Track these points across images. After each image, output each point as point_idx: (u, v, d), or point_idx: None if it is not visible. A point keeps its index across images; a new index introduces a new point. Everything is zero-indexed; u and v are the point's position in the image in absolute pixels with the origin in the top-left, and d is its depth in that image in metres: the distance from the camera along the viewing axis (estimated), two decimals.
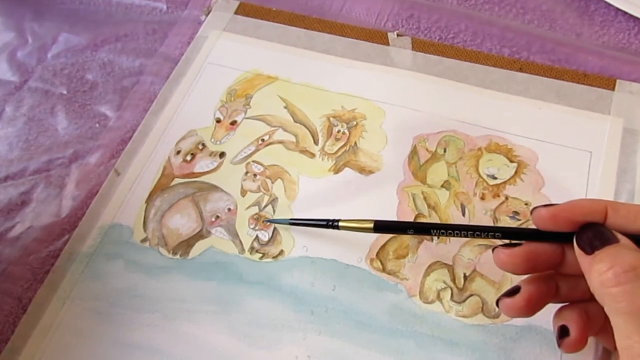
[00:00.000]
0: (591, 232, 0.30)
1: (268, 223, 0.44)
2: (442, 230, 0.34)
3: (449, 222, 0.42)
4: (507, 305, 0.32)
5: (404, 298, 0.38)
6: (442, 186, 0.42)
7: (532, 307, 0.31)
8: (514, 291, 0.32)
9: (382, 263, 0.41)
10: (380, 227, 0.37)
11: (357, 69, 0.49)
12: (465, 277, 0.39)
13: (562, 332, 0.32)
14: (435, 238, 0.41)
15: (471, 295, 0.39)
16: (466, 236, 0.34)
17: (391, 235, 0.42)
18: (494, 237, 0.34)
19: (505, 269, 0.33)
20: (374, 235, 0.42)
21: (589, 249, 0.29)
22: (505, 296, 0.32)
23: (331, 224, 0.38)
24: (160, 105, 0.49)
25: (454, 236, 0.34)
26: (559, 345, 0.32)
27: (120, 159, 0.47)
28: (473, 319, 0.38)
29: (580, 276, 0.30)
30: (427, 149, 0.44)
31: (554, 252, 0.33)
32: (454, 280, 0.39)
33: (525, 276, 0.33)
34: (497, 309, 0.38)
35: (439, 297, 0.38)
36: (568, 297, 0.33)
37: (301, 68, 0.49)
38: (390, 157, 0.44)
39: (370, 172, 0.44)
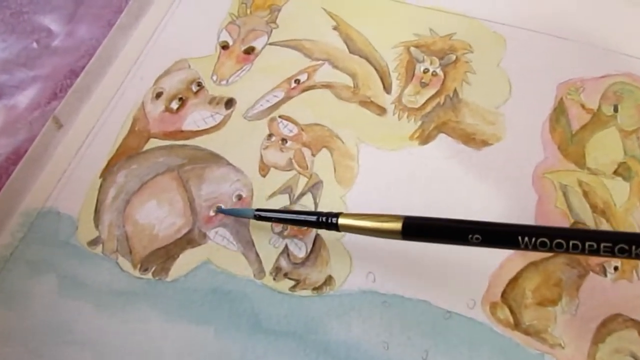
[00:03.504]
0: None
1: (305, 227, 0.25)
2: (560, 241, 0.19)
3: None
4: None
5: None
6: (616, 173, 0.26)
7: None
8: None
9: (512, 312, 0.23)
10: (414, 228, 0.22)
11: None
12: None
13: None
14: (610, 272, 0.23)
15: None
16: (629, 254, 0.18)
17: (528, 261, 0.23)
18: None
19: None
20: (495, 259, 0.24)
21: None
22: None
23: (324, 221, 0.24)
24: (134, 17, 0.33)
25: (596, 253, 0.19)
26: None
27: (64, 101, 0.31)
28: None
29: None
30: (583, 106, 0.28)
31: None
32: None
33: None
34: None
35: None
36: None
37: None
38: (517, 118, 0.28)
39: (485, 142, 0.27)
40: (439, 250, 0.24)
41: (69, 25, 0.34)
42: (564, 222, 0.25)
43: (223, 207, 0.27)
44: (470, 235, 0.21)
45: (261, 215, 0.25)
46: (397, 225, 0.22)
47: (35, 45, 0.34)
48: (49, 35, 0.34)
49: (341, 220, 0.23)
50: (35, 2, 0.35)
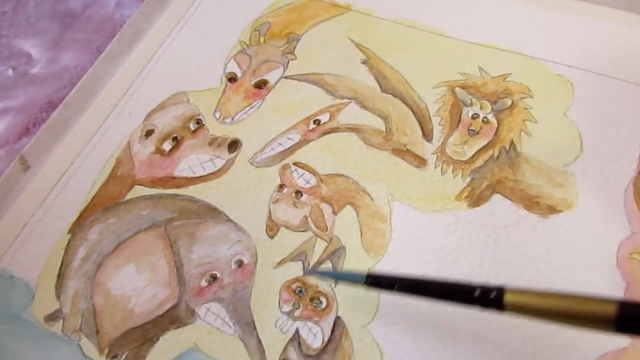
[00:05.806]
0: None
1: (321, 307, 0.20)
2: None
3: None
4: None
5: None
6: None
7: None
8: None
9: None
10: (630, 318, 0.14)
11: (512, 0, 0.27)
12: None
13: None
14: None
15: None
16: None
17: None
18: None
19: None
20: None
21: None
22: None
23: (482, 297, 0.16)
24: (127, 43, 0.29)
25: None
26: None
27: (35, 138, 0.26)
28: None
29: None
30: None
31: None
32: None
33: None
34: None
35: None
36: None
37: None
38: (592, 181, 0.22)
39: (552, 209, 0.22)
40: (496, 347, 0.19)
41: (53, 50, 0.29)
42: None
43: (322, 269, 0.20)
44: None
45: (377, 282, 0.17)
46: (612, 307, 0.14)
47: (10, 72, 0.29)
48: (28, 62, 0.29)
49: (509, 298, 0.15)
50: (17, 24, 0.30)
